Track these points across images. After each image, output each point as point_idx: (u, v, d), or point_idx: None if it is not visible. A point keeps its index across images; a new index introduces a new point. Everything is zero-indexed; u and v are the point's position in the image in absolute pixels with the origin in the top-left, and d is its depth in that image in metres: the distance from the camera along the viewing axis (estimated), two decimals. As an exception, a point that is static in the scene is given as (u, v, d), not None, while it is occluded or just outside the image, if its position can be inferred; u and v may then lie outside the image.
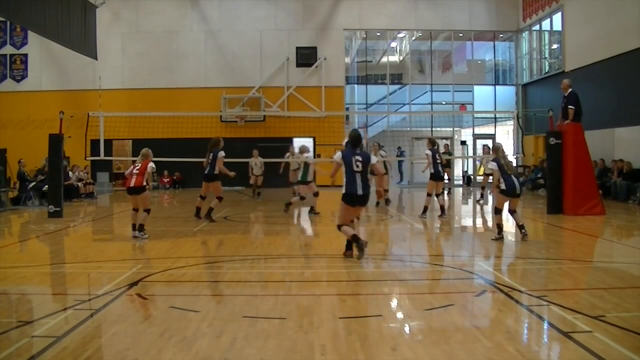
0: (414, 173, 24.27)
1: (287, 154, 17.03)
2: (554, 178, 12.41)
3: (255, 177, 17.12)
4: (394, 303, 5.53)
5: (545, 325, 4.62)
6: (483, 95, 24.16)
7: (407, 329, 4.59)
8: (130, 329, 4.51)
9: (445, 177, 13.91)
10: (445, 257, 8.15)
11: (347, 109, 23.98)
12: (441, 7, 23.37)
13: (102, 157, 14.95)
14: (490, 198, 16.05)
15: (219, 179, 11.43)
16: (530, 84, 23.59)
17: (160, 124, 18.10)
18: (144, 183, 9.13)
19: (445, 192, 15.15)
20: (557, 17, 20.81)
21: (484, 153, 16.70)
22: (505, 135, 23.57)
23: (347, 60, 24.82)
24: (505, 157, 8.91)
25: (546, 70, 22.37)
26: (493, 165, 8.88)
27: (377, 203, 14.22)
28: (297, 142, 21.59)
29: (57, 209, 12.48)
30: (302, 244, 9.47)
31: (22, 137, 21.65)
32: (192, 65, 22.99)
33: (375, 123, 25.22)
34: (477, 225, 12.61)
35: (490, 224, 12.00)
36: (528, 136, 21.12)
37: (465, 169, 25.38)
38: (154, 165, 9.35)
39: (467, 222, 13.45)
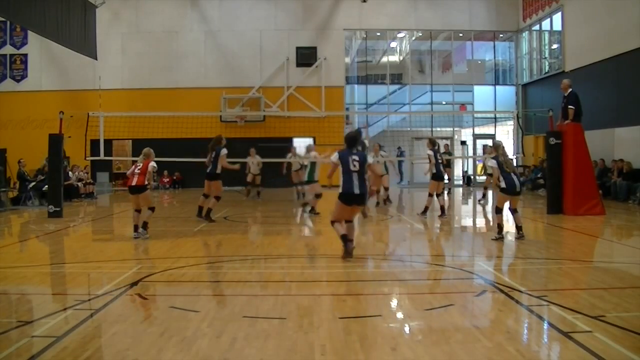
0: (413, 173, 24.29)
1: (289, 155, 17.00)
2: (554, 178, 12.41)
3: (253, 176, 17.10)
4: (394, 303, 5.53)
5: (545, 325, 4.61)
6: (483, 95, 24.15)
7: (407, 329, 4.59)
8: (130, 329, 4.51)
9: (445, 177, 13.91)
10: (445, 257, 8.15)
11: (347, 109, 23.98)
12: (441, 7, 23.37)
13: (102, 157, 14.95)
14: (491, 198, 16.04)
15: (221, 178, 11.42)
16: (530, 84, 23.60)
17: (160, 124, 18.09)
18: (145, 182, 9.13)
19: (445, 192, 15.14)
20: (557, 17, 20.81)
21: (486, 153, 16.66)
22: (505, 135, 23.55)
23: (347, 60, 24.82)
24: (505, 154, 8.90)
25: (546, 70, 22.37)
26: (493, 164, 8.88)
27: (377, 203, 14.22)
28: (297, 142, 21.67)
29: (57, 209, 12.48)
30: (302, 244, 9.47)
31: (22, 137, 21.65)
32: (192, 65, 22.99)
33: (375, 123, 25.22)
34: (477, 225, 12.62)
35: (490, 224, 12.02)
36: (528, 136, 21.12)
37: (465, 169, 25.39)
38: (155, 165, 9.35)
39: (467, 222, 13.46)
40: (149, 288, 5.93)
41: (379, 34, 25.02)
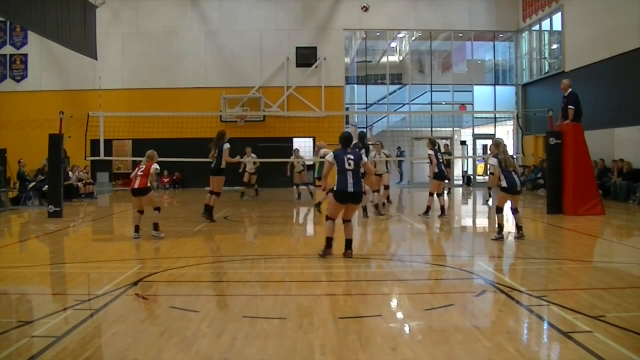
0: (413, 173, 24.30)
1: (292, 157, 17.11)
2: (554, 178, 12.41)
3: (249, 175, 17.09)
4: (394, 303, 5.53)
5: (545, 325, 4.62)
6: (483, 95, 24.15)
7: (407, 329, 4.59)
8: (130, 329, 4.51)
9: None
10: (445, 257, 8.15)
11: (347, 109, 23.97)
12: (441, 7, 23.37)
13: (102, 157, 14.95)
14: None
15: (224, 174, 11.40)
16: (530, 84, 23.60)
17: (160, 124, 18.09)
18: (148, 184, 9.14)
19: (446, 192, 15.14)
20: (557, 17, 20.81)
21: (488, 153, 16.65)
22: (505, 135, 23.50)
23: (347, 60, 24.82)
24: (506, 152, 8.89)
25: (546, 70, 22.38)
26: (494, 162, 8.87)
27: (376, 205, 14.20)
28: (297, 142, 21.72)
29: (57, 209, 12.48)
30: (302, 243, 9.47)
31: (22, 137, 21.64)
32: (192, 65, 22.99)
33: (375, 123, 25.22)
34: (477, 225, 12.62)
35: (490, 224, 12.02)
36: (528, 136, 21.13)
37: (465, 169, 25.39)
38: (158, 167, 9.38)
39: (467, 222, 13.46)
40: (149, 288, 5.93)
41: (378, 34, 25.02)
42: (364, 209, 12.16)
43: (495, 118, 24.23)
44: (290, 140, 22.26)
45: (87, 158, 16.14)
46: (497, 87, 24.64)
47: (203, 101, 21.63)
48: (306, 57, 22.96)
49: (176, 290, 5.98)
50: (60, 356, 3.88)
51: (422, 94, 24.69)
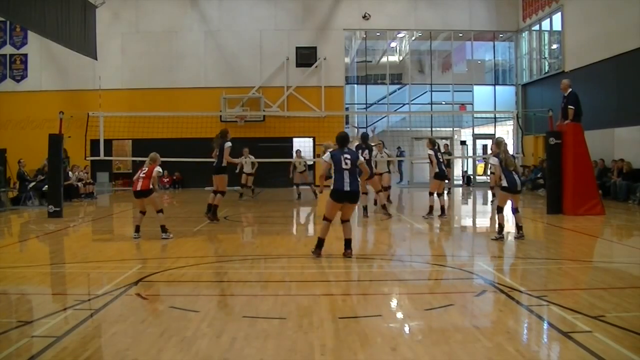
0: (413, 173, 24.30)
1: (295, 158, 17.19)
2: (554, 178, 12.41)
3: (246, 176, 17.11)
4: (393, 303, 5.53)
5: (545, 325, 4.62)
6: (483, 95, 24.16)
7: (407, 329, 4.59)
8: (130, 329, 4.51)
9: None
10: (445, 257, 8.15)
11: (347, 109, 23.98)
12: (441, 7, 23.37)
13: (102, 157, 14.96)
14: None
15: (227, 172, 11.39)
16: (530, 84, 23.60)
17: (160, 124, 18.11)
18: (150, 186, 9.16)
19: (446, 192, 15.15)
20: (557, 17, 20.81)
21: (489, 153, 16.68)
22: (505, 135, 23.51)
23: (347, 60, 24.82)
24: (507, 152, 8.89)
25: (546, 70, 22.38)
26: (494, 161, 8.86)
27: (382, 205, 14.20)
28: (297, 142, 21.76)
29: (57, 209, 12.48)
30: (302, 244, 9.47)
31: (22, 137, 21.66)
32: (191, 65, 22.99)
33: (375, 123, 25.19)
34: (477, 226, 12.62)
35: (489, 224, 12.02)
36: (528, 136, 21.14)
37: (465, 169, 25.39)
38: (160, 170, 9.41)
39: (467, 222, 13.46)
40: (149, 288, 5.93)
41: (378, 34, 25.02)
42: (365, 208, 12.17)
43: (495, 118, 24.24)
44: (290, 140, 22.29)
45: (87, 158, 16.15)
46: (497, 87, 24.65)
47: (203, 101, 21.64)
48: (306, 57, 22.97)
49: (176, 290, 5.98)
50: (60, 356, 3.88)
51: (422, 94, 24.69)
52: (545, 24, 22.09)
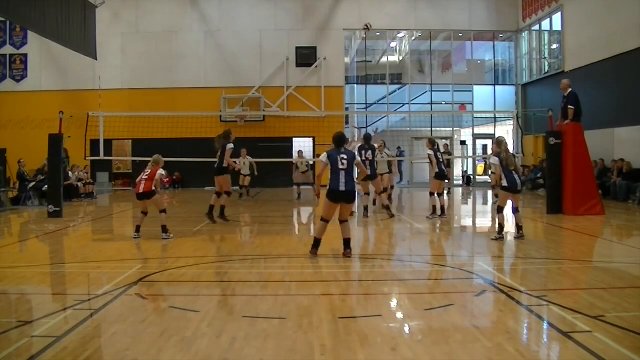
0: (413, 173, 24.30)
1: (297, 158, 17.21)
2: (554, 178, 12.41)
3: (243, 177, 17.12)
4: (393, 303, 5.53)
5: (545, 325, 4.62)
6: (483, 95, 24.15)
7: (407, 329, 4.59)
8: (130, 329, 4.51)
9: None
10: (445, 257, 8.15)
11: (347, 109, 23.97)
12: (441, 7, 23.37)
13: (101, 157, 14.96)
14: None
15: (228, 173, 11.38)
16: (530, 84, 23.59)
17: (160, 124, 18.11)
18: (153, 188, 9.16)
19: (446, 192, 15.15)
20: (556, 17, 20.81)
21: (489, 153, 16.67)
22: (505, 135, 23.50)
23: (347, 60, 24.82)
24: (508, 151, 8.88)
25: (546, 70, 22.37)
26: (495, 161, 8.86)
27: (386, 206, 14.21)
28: (297, 142, 21.76)
29: (57, 209, 12.48)
30: (301, 243, 9.46)
31: (22, 137, 21.67)
32: (191, 65, 22.98)
33: (375, 123, 25.25)
34: (477, 226, 12.62)
35: (489, 224, 12.03)
36: (528, 136, 21.14)
37: (465, 169, 25.39)
38: (163, 173, 9.44)
39: (467, 222, 13.46)
40: (149, 288, 5.93)
41: (378, 34, 25.00)
42: (365, 208, 12.18)
43: (495, 118, 24.24)
44: (290, 141, 22.29)
45: (87, 158, 16.15)
46: (497, 87, 24.64)
47: (203, 101, 21.63)
48: (306, 57, 22.97)
49: (176, 290, 5.98)
50: (60, 356, 3.88)
51: (422, 94, 24.68)
52: (545, 24, 22.09)
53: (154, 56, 22.86)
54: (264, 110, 21.96)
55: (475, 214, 15.39)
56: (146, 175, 9.24)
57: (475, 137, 24.50)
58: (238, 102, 22.43)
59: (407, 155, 23.41)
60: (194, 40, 23.14)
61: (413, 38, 25.21)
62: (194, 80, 22.81)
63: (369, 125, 24.01)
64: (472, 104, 23.83)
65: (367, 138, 12.05)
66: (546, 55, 22.68)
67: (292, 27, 23.18)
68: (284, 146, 21.80)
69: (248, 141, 18.74)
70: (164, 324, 4.60)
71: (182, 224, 11.20)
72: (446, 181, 13.39)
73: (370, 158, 11.65)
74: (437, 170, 11.76)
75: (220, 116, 21.84)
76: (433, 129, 23.53)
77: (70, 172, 17.16)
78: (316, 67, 22.96)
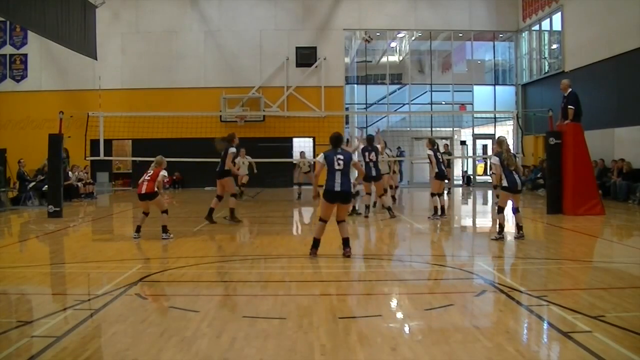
0: (413, 173, 24.29)
1: (299, 159, 17.24)
2: (554, 178, 12.41)
3: (241, 177, 17.11)
4: (393, 303, 5.53)
5: (545, 325, 4.62)
6: (483, 95, 24.15)
7: (407, 329, 4.59)
8: (130, 329, 4.51)
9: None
10: (445, 257, 8.15)
11: (347, 109, 23.97)
12: (441, 7, 23.37)
13: (101, 157, 14.97)
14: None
15: (230, 175, 11.37)
16: (530, 84, 23.59)
17: (160, 124, 18.11)
18: (155, 189, 9.17)
19: (446, 192, 15.15)
20: (556, 17, 20.80)
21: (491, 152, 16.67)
22: (505, 135, 23.49)
23: (347, 60, 24.81)
24: (509, 151, 8.88)
25: (546, 70, 22.37)
26: (495, 161, 8.85)
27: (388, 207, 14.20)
28: (297, 142, 21.76)
29: (57, 209, 12.48)
30: (301, 243, 9.46)
31: (22, 137, 21.66)
32: (191, 65, 22.97)
33: (374, 123, 25.22)
34: (477, 226, 12.61)
35: (489, 224, 12.02)
36: (528, 136, 21.14)
37: (465, 169, 25.39)
38: (165, 174, 9.43)
39: (467, 222, 13.46)
40: (149, 288, 5.93)
41: (378, 34, 24.99)
42: (367, 207, 12.19)
43: (495, 118, 24.23)
44: (290, 141, 22.30)
45: (87, 158, 16.16)
46: (497, 87, 24.63)
47: (203, 101, 21.63)
48: (306, 57, 22.96)
49: (176, 290, 5.99)
50: (60, 356, 3.87)
51: (422, 94, 24.68)
52: (545, 24, 22.08)
53: (153, 56, 22.85)
54: (263, 110, 21.96)
55: (475, 214, 15.39)
56: (148, 176, 9.25)
57: (475, 137, 24.50)
58: (238, 102, 22.43)
59: (407, 155, 23.39)
60: (193, 40, 23.14)
61: (413, 38, 25.20)
62: (193, 80, 22.80)
63: (369, 126, 24.02)
64: (472, 104, 23.82)
65: (370, 139, 12.06)
66: (546, 55, 22.68)
67: (292, 27, 23.17)
68: (284, 146, 21.80)
69: (248, 141, 18.70)
70: (164, 324, 4.60)
71: (182, 224, 11.21)
72: (446, 181, 13.39)
73: (374, 159, 11.69)
74: (436, 170, 11.76)
75: (220, 116, 21.84)
76: (433, 129, 23.53)
77: (70, 172, 17.16)
78: (316, 67, 22.96)
